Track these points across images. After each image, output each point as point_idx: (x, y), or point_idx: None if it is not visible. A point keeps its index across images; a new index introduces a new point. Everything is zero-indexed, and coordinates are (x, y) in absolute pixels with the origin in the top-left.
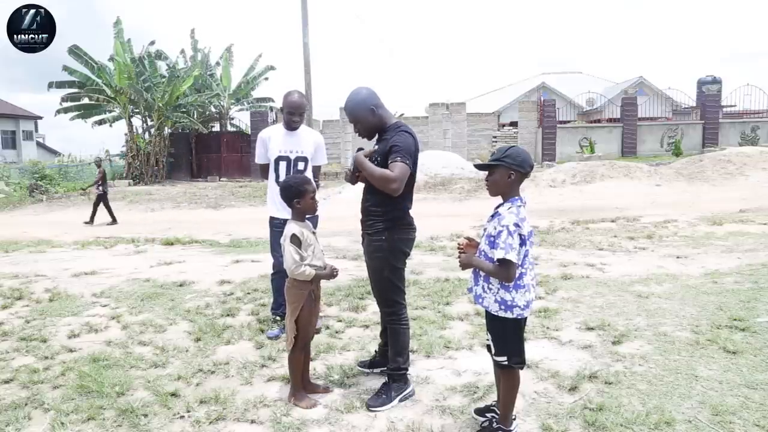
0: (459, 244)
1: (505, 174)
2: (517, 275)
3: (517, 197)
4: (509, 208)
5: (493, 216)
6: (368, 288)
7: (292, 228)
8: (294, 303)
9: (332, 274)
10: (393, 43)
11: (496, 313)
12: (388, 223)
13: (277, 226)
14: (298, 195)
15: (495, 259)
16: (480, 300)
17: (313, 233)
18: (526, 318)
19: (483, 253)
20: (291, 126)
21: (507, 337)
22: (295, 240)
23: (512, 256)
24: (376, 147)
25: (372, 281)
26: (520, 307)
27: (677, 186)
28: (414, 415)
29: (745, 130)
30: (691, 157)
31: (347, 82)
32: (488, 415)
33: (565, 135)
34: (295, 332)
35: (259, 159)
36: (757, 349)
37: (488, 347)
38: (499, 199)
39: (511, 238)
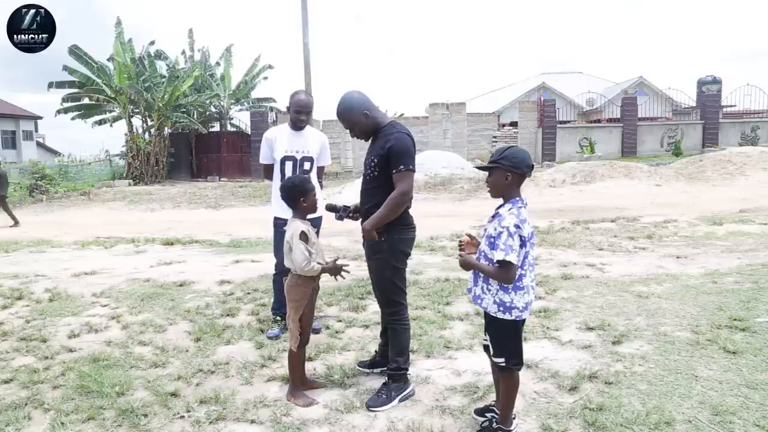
0: (461, 241)
1: (501, 176)
2: (516, 277)
3: (517, 198)
4: (510, 209)
5: (493, 217)
6: (368, 288)
7: (298, 225)
8: (298, 301)
9: (337, 268)
10: (393, 43)
11: (494, 315)
12: (388, 224)
13: (281, 226)
14: (304, 194)
15: (495, 261)
16: (479, 300)
17: (315, 232)
18: (524, 320)
19: (483, 253)
20: (297, 125)
21: (505, 338)
22: (303, 237)
23: (512, 258)
24: (371, 147)
25: (373, 282)
26: (518, 308)
27: (677, 186)
28: (414, 415)
29: (745, 130)
30: (691, 157)
31: (347, 82)
32: (488, 415)
33: (565, 135)
34: (300, 329)
35: (264, 159)
36: (757, 349)
37: (486, 347)
38: (500, 200)
39: (512, 240)
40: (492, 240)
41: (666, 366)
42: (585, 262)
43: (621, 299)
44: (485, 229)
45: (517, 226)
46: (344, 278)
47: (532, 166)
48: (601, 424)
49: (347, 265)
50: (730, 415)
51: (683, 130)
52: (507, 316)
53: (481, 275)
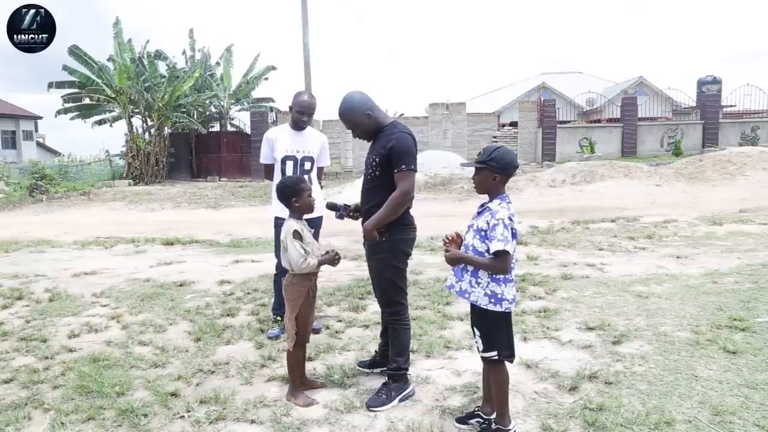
0: (446, 236)
1: (489, 176)
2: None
3: (504, 194)
4: (499, 204)
5: (480, 212)
6: (368, 288)
7: (292, 224)
8: (294, 300)
9: (334, 259)
10: (393, 43)
11: (485, 307)
12: (388, 224)
13: (281, 226)
14: (296, 194)
15: (492, 252)
16: (466, 295)
17: (310, 232)
18: (511, 312)
19: (472, 247)
20: (299, 126)
21: (496, 331)
22: (297, 236)
23: (509, 248)
24: (372, 147)
25: (374, 282)
26: (508, 300)
27: (677, 186)
28: (414, 415)
29: (745, 130)
30: (691, 157)
31: (347, 82)
32: (472, 421)
33: (565, 135)
34: (296, 329)
35: (264, 159)
36: (757, 349)
37: (478, 348)
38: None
39: (507, 231)
40: (483, 233)
41: (666, 366)
42: (585, 262)
43: (621, 299)
44: (470, 225)
45: (510, 219)
46: (338, 262)
47: (518, 166)
48: (601, 424)
49: (338, 254)
50: (730, 415)
51: (683, 130)
52: (498, 308)
53: (469, 269)
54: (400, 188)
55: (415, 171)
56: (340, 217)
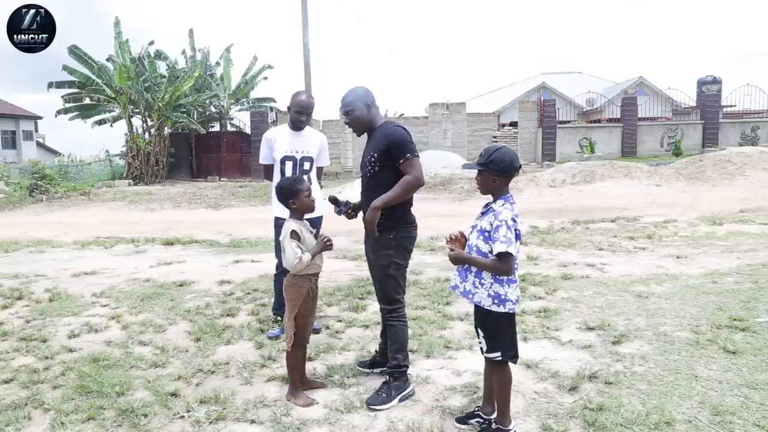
0: (450, 236)
1: (489, 178)
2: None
3: (508, 195)
4: (503, 204)
5: (484, 213)
6: (368, 288)
7: (290, 225)
8: (293, 300)
9: (326, 244)
10: (393, 43)
11: (489, 308)
12: (392, 222)
13: (281, 226)
14: (292, 195)
15: (495, 253)
16: (470, 296)
17: (311, 232)
18: (515, 313)
19: (475, 248)
20: (297, 126)
21: (500, 332)
22: (295, 236)
23: (512, 249)
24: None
25: (375, 279)
26: (512, 301)
27: (677, 186)
28: (414, 415)
29: (745, 130)
30: (691, 157)
31: (347, 83)
32: (472, 421)
33: (565, 135)
34: (294, 329)
35: (263, 159)
36: (757, 349)
37: (482, 349)
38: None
39: (510, 233)
40: (487, 234)
41: (666, 366)
42: (585, 262)
43: (621, 299)
44: (474, 226)
45: (514, 220)
46: (331, 248)
47: (519, 166)
48: (601, 424)
49: (329, 240)
50: (730, 415)
51: (683, 130)
52: (501, 309)
53: (472, 270)
54: (411, 174)
55: (418, 156)
56: (339, 212)
